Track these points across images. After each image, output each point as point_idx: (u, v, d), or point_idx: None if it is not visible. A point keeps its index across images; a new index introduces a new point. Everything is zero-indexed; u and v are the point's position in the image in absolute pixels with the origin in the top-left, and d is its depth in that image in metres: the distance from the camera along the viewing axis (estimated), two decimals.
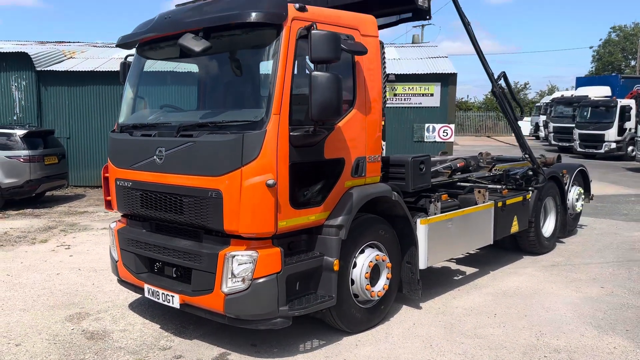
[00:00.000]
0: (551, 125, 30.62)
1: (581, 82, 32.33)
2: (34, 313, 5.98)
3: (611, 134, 24.91)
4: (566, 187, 9.07)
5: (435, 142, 15.62)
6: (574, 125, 26.82)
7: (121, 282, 5.80)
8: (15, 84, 15.44)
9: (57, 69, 15.53)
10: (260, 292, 4.49)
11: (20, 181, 12.23)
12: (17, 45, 17.40)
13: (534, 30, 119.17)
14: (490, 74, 7.15)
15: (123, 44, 5.55)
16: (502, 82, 7.35)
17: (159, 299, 5.11)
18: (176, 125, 4.97)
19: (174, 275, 5.12)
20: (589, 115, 26.37)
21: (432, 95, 15.47)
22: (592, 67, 52.32)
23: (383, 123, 6.02)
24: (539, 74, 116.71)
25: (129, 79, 5.72)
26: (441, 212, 6.28)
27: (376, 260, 5.34)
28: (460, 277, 7.34)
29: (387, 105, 15.67)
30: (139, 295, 5.94)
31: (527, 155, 7.95)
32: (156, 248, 5.16)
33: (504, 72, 7.31)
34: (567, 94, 32.85)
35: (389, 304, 5.69)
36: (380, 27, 6.30)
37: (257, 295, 4.49)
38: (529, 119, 44.53)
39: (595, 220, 11.04)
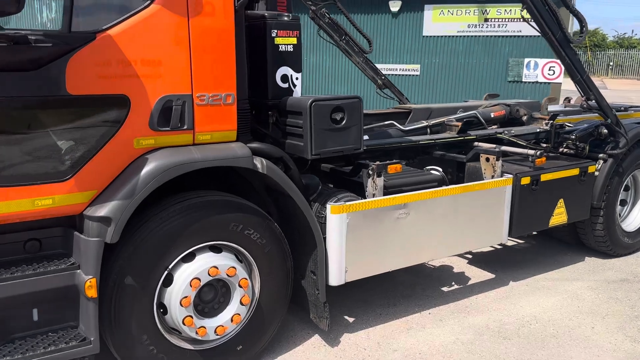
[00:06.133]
0: None
1: None
2: None
3: None
4: None
5: (537, 82, 12.15)
6: None
7: None
8: None
9: None
10: None
11: None
12: None
13: None
14: None
15: None
16: None
17: None
18: None
19: None
20: None
21: None
22: None
23: (294, 41, 3.65)
24: None
25: None
26: (389, 191, 3.78)
27: (211, 275, 3.09)
28: (454, 287, 4.75)
29: (473, 35, 12.64)
30: None
31: (592, 102, 4.88)
32: None
33: None
34: None
35: (258, 344, 3.45)
36: None
37: None
38: None
39: None
